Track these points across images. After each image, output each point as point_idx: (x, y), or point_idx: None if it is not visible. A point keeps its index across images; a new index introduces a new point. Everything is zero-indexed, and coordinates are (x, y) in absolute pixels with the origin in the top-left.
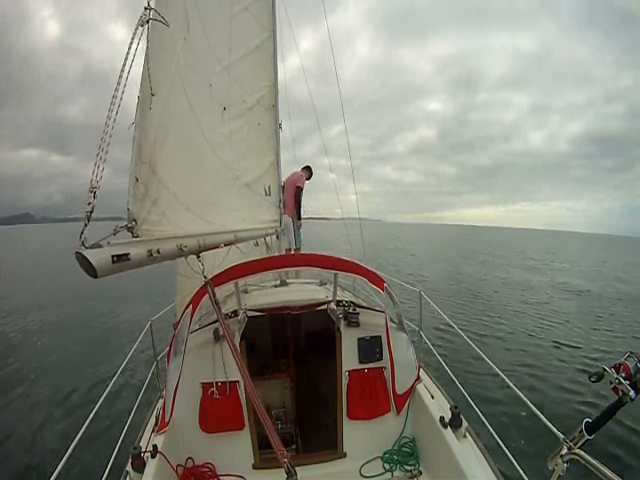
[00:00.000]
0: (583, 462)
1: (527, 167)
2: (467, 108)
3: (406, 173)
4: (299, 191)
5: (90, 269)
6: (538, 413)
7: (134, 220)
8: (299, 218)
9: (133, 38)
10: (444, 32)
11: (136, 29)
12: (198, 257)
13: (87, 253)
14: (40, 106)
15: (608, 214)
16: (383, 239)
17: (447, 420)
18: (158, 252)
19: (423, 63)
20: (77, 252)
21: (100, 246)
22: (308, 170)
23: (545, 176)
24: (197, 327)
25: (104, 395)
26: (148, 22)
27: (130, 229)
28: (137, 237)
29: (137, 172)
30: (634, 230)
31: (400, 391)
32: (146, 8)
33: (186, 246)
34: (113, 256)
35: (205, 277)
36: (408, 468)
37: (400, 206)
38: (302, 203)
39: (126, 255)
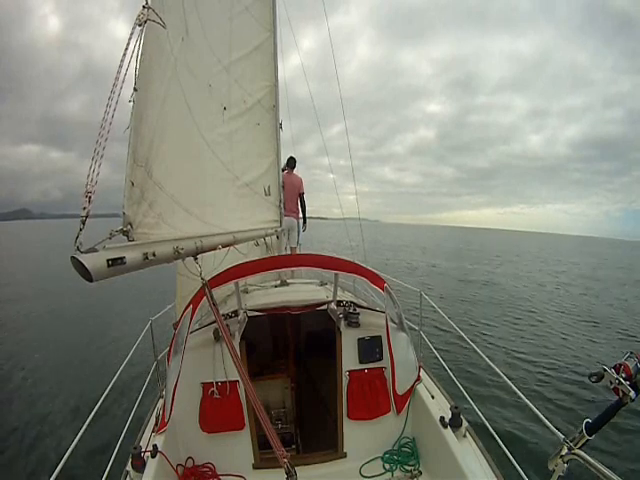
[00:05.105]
0: (583, 462)
1: (525, 170)
2: (466, 110)
3: (405, 174)
4: (302, 196)
5: (85, 273)
6: (538, 413)
7: (130, 224)
8: (304, 222)
9: (130, 38)
10: (444, 35)
11: (133, 29)
12: (195, 259)
13: (82, 258)
14: (40, 101)
15: (606, 217)
16: (400, 246)
17: (447, 420)
18: (154, 255)
19: (423, 65)
20: (72, 257)
21: (95, 250)
22: (292, 163)
23: (543, 179)
24: (197, 327)
25: (104, 395)
26: (145, 22)
27: (126, 233)
28: (133, 241)
29: (132, 176)
30: (633, 234)
31: (400, 391)
32: (144, 7)
33: (182, 248)
34: (108, 260)
35: (203, 279)
36: (408, 468)
37: (398, 207)
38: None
39: (121, 259)
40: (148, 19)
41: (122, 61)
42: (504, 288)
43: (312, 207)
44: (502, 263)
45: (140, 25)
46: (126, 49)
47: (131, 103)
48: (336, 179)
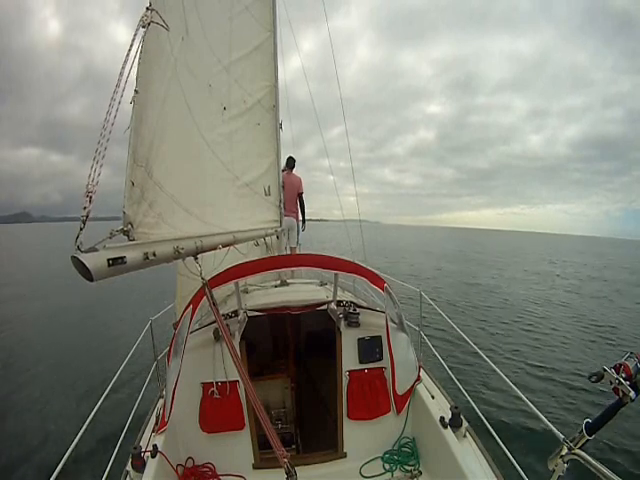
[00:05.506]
0: (583, 462)
1: (525, 170)
2: (466, 111)
3: (405, 175)
4: (301, 196)
5: (86, 273)
6: (538, 413)
7: (130, 223)
8: (304, 222)
9: (134, 40)
10: (444, 35)
11: (137, 30)
12: (195, 259)
13: (83, 257)
14: (40, 104)
15: (606, 217)
16: (401, 247)
17: (447, 420)
18: (154, 255)
19: (423, 66)
20: (73, 256)
21: (96, 250)
22: (292, 163)
23: (543, 179)
24: (197, 327)
25: (104, 395)
26: (149, 24)
27: (126, 232)
28: (133, 240)
29: (133, 176)
30: (635, 234)
31: (400, 391)
32: (148, 9)
33: (182, 248)
34: (109, 260)
35: (203, 279)
36: (408, 468)
37: (398, 208)
38: (305, 207)
39: (122, 258)
40: (152, 21)
41: (125, 62)
42: (512, 292)
43: (312, 209)
44: (509, 264)
45: (144, 27)
46: (129, 50)
47: (132, 104)
48: (336, 181)
